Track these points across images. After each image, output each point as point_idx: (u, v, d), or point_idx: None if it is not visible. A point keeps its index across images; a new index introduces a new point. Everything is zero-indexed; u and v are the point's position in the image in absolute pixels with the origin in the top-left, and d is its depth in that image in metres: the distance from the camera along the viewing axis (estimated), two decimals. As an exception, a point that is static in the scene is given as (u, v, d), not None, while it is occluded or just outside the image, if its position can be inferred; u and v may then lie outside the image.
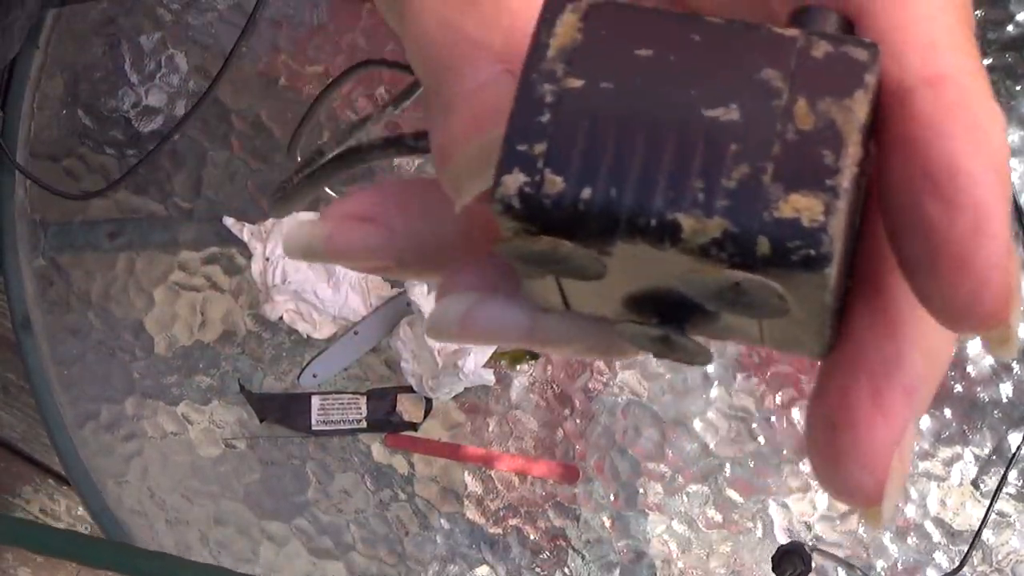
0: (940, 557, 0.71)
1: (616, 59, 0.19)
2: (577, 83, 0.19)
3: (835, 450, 0.19)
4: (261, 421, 0.74)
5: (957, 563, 0.71)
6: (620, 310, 0.20)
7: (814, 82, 0.18)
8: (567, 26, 0.19)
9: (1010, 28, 0.74)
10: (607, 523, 0.73)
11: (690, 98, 0.18)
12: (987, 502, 0.71)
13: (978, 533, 0.70)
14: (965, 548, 0.71)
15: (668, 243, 0.18)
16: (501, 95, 0.19)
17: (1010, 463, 0.71)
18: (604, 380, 0.73)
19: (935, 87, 0.18)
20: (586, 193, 0.18)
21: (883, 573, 0.71)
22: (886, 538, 0.72)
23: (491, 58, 0.20)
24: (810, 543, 0.69)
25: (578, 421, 0.73)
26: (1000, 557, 0.71)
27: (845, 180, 0.18)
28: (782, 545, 0.68)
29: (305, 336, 0.74)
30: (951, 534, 0.72)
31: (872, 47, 0.19)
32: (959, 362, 0.73)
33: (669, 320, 0.20)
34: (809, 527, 0.72)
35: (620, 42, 0.19)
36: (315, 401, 0.74)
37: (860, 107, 0.18)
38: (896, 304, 0.19)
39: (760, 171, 0.18)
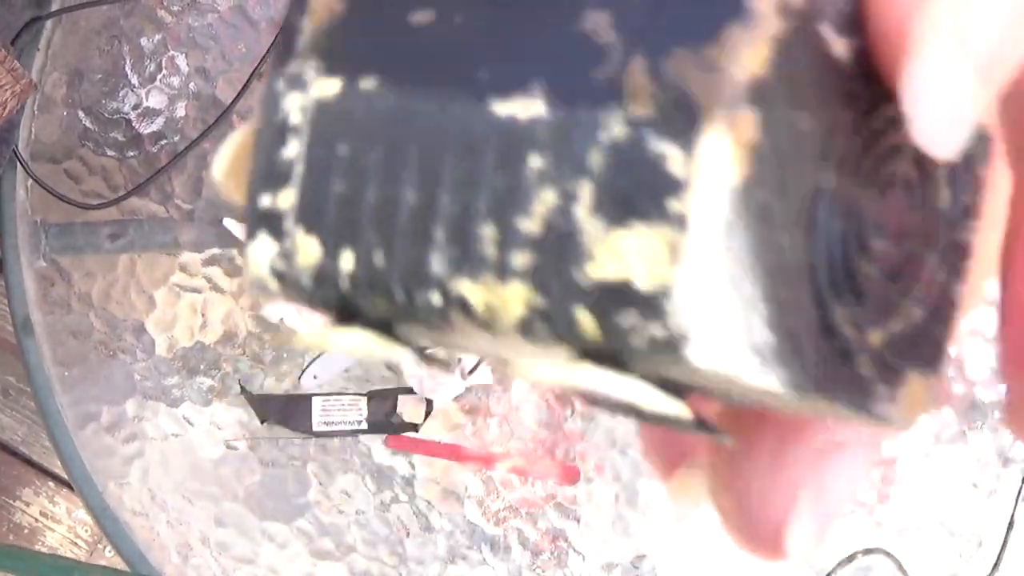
0: (941, 557, 0.71)
1: (384, 34, 0.13)
2: (333, 87, 0.13)
3: None
4: (262, 422, 0.74)
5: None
6: None
7: (657, 24, 0.11)
8: None
9: None
10: (608, 524, 0.73)
11: (478, 86, 0.12)
12: (986, 503, 0.71)
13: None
14: (964, 548, 0.71)
15: (459, 324, 0.12)
16: None
17: None
18: (605, 381, 0.73)
19: None
20: (347, 262, 0.12)
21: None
22: (886, 538, 0.72)
23: None
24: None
25: (579, 422, 0.73)
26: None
27: (708, 195, 0.11)
28: None
29: (306, 337, 0.74)
30: (951, 535, 0.72)
31: None
32: (958, 362, 0.73)
33: None
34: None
35: (392, 5, 0.13)
36: (316, 402, 0.74)
37: (740, 56, 0.11)
38: None
39: (571, 198, 0.11)
